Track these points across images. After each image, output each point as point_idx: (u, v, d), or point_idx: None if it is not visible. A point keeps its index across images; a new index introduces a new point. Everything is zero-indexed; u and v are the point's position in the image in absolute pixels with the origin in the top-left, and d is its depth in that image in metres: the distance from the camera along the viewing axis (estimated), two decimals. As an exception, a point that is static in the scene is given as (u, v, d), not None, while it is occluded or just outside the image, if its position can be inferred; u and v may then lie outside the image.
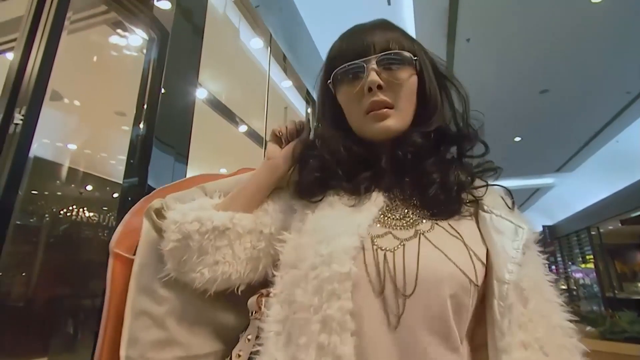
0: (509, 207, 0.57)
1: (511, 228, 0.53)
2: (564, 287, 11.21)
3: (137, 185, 1.61)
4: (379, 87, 0.55)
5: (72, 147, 4.69)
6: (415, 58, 0.58)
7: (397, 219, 0.54)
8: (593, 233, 9.32)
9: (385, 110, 0.55)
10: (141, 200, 0.64)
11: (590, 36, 3.61)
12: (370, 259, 0.49)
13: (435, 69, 0.62)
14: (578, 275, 10.57)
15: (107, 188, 5.43)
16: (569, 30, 3.54)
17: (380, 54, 0.56)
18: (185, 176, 1.79)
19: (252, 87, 3.47)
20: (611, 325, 3.64)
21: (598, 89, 4.62)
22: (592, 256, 9.47)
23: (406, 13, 3.60)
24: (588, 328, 4.45)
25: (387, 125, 0.56)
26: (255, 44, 3.15)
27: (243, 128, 3.84)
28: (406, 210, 0.55)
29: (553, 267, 11.97)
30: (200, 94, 3.15)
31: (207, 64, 2.99)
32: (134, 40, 2.23)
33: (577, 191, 8.51)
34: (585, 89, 4.62)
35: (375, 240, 0.50)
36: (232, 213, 0.56)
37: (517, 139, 6.26)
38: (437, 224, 0.53)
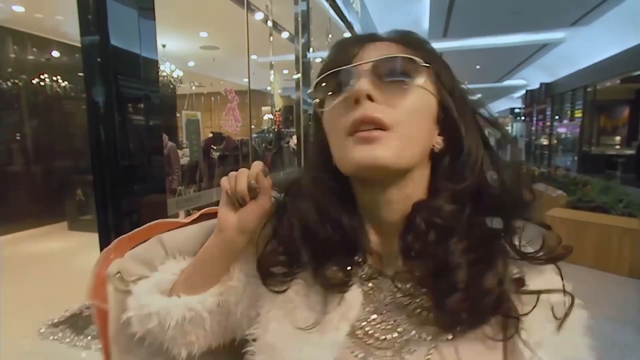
0: (556, 318, 0.37)
1: None
2: (545, 142, 11.74)
3: (100, 45, 1.54)
4: (370, 97, 0.38)
5: (19, 9, 4.03)
6: (429, 65, 0.40)
7: (379, 335, 0.41)
8: (589, 90, 9.20)
9: (375, 132, 0.37)
10: (104, 250, 0.59)
11: None
12: None
13: (465, 100, 0.44)
14: (561, 130, 10.94)
15: (77, 55, 4.93)
16: None
17: (378, 58, 0.39)
18: (154, 35, 1.77)
19: None
20: (582, 195, 3.93)
21: None
22: (580, 112, 9.59)
23: None
24: (559, 192, 4.86)
25: (373, 155, 0.37)
26: None
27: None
28: (395, 321, 0.41)
29: (540, 123, 12.29)
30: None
31: None
32: None
33: (585, 48, 7.99)
34: None
35: None
36: (191, 299, 0.48)
37: (538, -13, 5.47)
38: (435, 349, 0.38)
